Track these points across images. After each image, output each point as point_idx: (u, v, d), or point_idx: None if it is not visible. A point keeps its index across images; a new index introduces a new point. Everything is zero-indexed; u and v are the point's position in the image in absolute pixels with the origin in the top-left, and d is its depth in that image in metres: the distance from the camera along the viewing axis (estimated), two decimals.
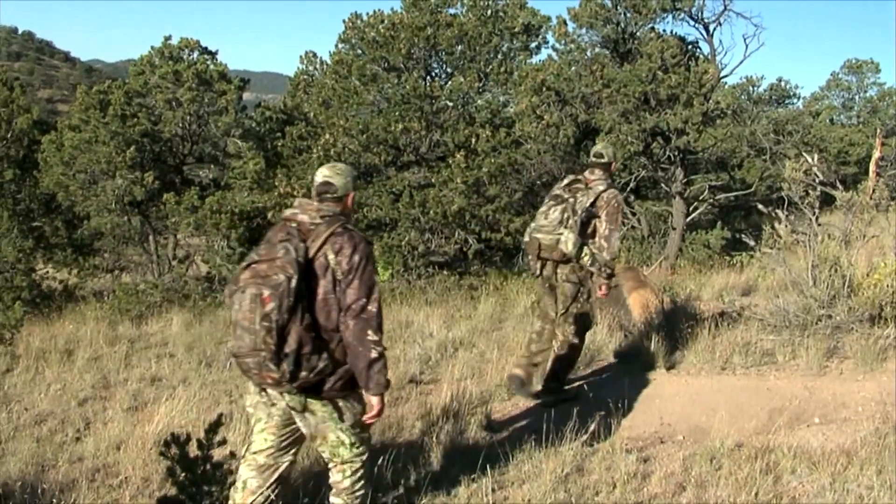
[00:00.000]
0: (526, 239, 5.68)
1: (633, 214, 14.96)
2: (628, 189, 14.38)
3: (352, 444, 3.52)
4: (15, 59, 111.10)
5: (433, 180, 11.88)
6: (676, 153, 13.85)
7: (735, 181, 17.94)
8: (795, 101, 17.14)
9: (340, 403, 3.46)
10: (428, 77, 13.30)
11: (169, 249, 14.02)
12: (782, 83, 16.09)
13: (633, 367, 6.53)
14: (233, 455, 3.72)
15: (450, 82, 13.36)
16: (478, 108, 13.65)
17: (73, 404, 6.36)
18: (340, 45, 14.02)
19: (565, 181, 5.65)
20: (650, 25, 14.32)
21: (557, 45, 14.69)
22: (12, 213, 12.65)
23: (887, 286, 6.54)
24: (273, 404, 3.46)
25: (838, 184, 8.47)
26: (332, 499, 3.61)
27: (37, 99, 78.80)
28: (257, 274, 3.24)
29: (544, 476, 4.13)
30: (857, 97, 29.18)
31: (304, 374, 3.27)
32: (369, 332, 3.34)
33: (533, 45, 14.18)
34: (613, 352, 6.99)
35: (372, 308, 3.35)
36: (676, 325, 7.15)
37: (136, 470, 4.64)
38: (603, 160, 5.62)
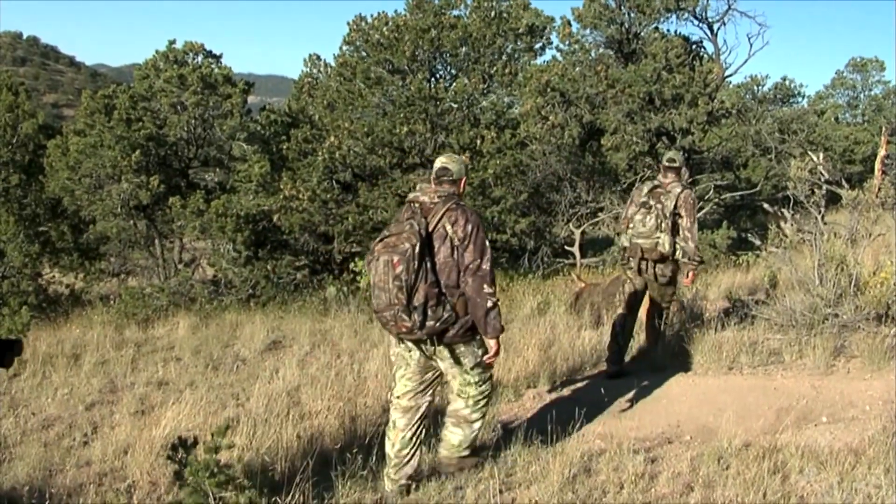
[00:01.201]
0: (626, 244, 6.55)
1: None
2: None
3: (476, 383, 4.21)
4: (20, 63, 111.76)
5: None
6: (681, 153, 13.83)
7: (740, 180, 17.86)
8: (800, 99, 17.07)
9: (462, 348, 4.13)
10: (432, 79, 13.29)
11: (175, 253, 14.06)
12: (787, 82, 16.04)
13: (639, 368, 6.52)
14: (240, 459, 3.72)
15: (454, 84, 13.34)
16: (482, 109, 13.62)
17: (81, 408, 6.39)
18: (345, 48, 14.01)
19: (646, 188, 6.46)
20: (654, 25, 14.35)
21: (562, 46, 14.71)
22: (18, 217, 12.66)
23: (894, 284, 6.52)
24: (410, 351, 4.17)
25: (844, 182, 8.46)
26: (449, 427, 4.29)
27: (42, 104, 79.33)
28: (388, 245, 3.95)
29: (551, 477, 4.12)
30: (862, 95, 29.07)
31: (430, 322, 3.95)
32: (485, 286, 4.02)
33: (537, 46, 14.17)
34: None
35: (485, 266, 4.03)
36: (683, 324, 7.14)
37: (143, 474, 4.65)
38: (675, 164, 6.47)
